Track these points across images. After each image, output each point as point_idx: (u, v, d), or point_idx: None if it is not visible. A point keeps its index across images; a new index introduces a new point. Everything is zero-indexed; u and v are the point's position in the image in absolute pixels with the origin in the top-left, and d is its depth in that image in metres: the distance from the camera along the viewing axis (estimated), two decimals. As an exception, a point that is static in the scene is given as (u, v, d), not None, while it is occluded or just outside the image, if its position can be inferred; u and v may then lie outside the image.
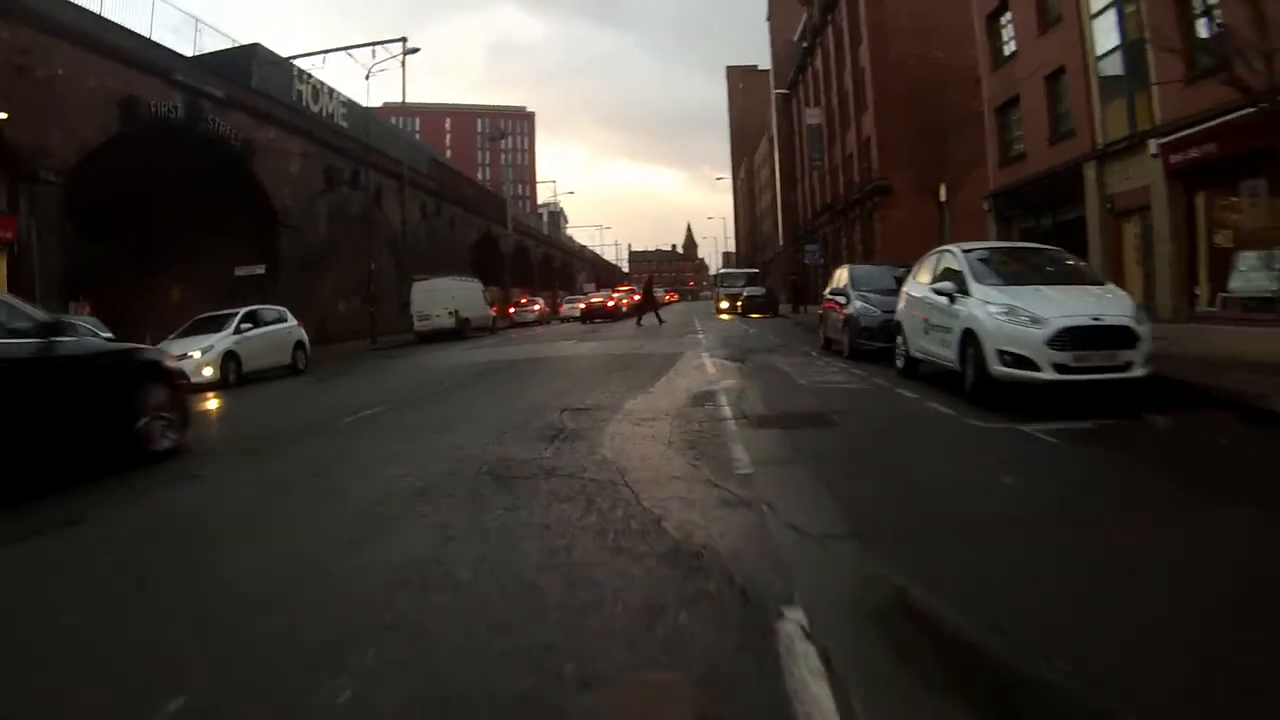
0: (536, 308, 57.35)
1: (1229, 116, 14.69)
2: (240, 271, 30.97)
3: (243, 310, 19.97)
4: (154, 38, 27.19)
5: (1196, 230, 18.24)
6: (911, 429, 8.98)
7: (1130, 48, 19.81)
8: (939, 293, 10.91)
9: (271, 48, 38.55)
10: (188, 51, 30.31)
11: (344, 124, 41.69)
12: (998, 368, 9.22)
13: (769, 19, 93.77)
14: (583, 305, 53.07)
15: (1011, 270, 10.87)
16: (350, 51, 39.22)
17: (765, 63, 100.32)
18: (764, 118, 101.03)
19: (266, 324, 20.28)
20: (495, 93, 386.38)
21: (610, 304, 51.74)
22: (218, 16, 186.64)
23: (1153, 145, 18.51)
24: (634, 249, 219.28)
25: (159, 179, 28.20)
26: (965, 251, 11.47)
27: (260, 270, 31.41)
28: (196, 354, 17.51)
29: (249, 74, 33.83)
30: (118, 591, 4.53)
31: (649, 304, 38.55)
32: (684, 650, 3.28)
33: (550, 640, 3.42)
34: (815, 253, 49.09)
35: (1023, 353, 8.98)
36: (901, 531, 4.90)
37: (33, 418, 7.34)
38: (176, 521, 6.33)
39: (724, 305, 48.96)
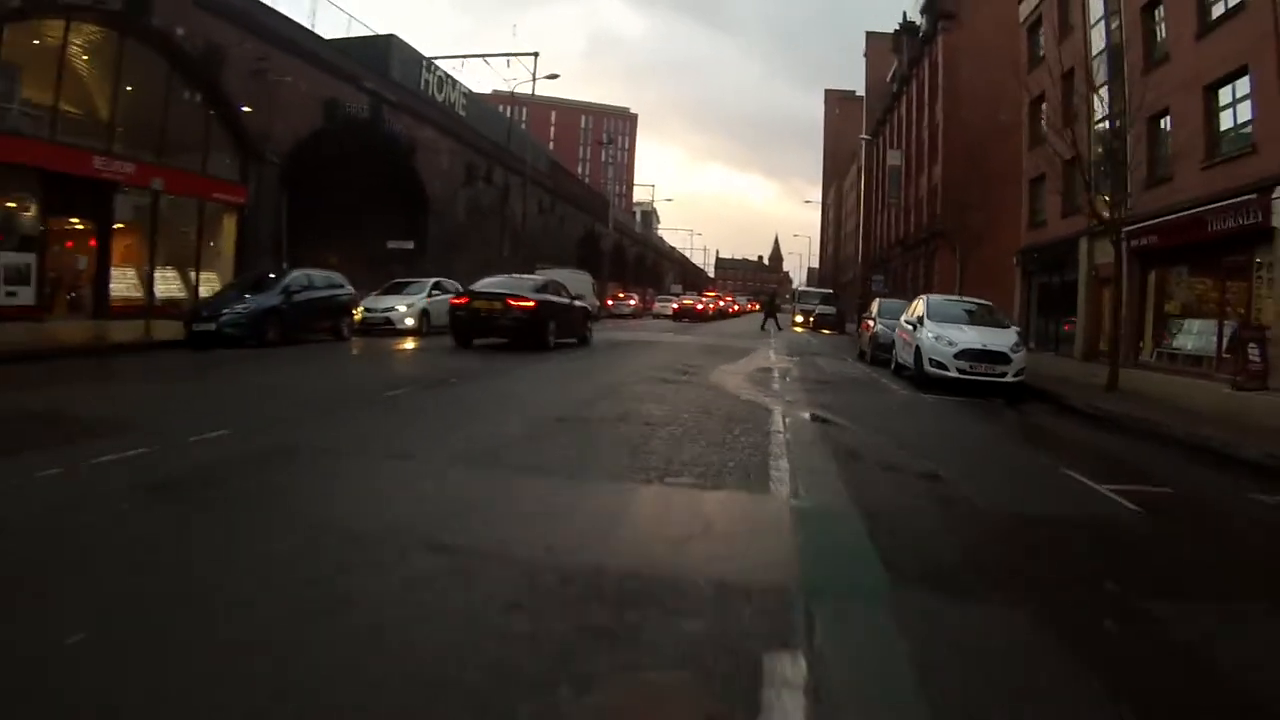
0: (632, 302, 63.11)
1: (1167, 218, 20.49)
2: (392, 245, 36.96)
3: (432, 280, 26.62)
4: (309, 26, 32.95)
5: (1148, 299, 23.86)
6: (878, 392, 15.58)
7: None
8: (910, 324, 17.38)
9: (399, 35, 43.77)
10: (331, 36, 34.82)
11: (463, 113, 46.39)
12: (929, 369, 15.60)
13: (865, 55, 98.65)
14: (675, 305, 58.41)
15: (951, 314, 17.45)
16: (487, 59, 45.38)
17: (861, 89, 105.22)
18: (856, 143, 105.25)
19: (447, 292, 26.42)
20: (592, 84, 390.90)
21: (700, 307, 57.96)
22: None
23: (1124, 233, 24.09)
24: (721, 255, 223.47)
25: (342, 164, 34.43)
26: (928, 300, 18.40)
27: (410, 245, 37.46)
28: (403, 308, 24.38)
29: (386, 62, 38.60)
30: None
31: (770, 312, 47.38)
32: (743, 421, 9.51)
33: (702, 409, 9.61)
34: (880, 282, 54.50)
35: (942, 361, 15.34)
36: (851, 415, 11.03)
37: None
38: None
39: (798, 319, 54.71)
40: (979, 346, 15.59)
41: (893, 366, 19.00)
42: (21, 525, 4.66)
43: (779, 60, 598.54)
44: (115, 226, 23.59)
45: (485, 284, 22.10)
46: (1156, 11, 24.36)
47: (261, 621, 3.45)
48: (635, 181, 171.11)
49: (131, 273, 24.56)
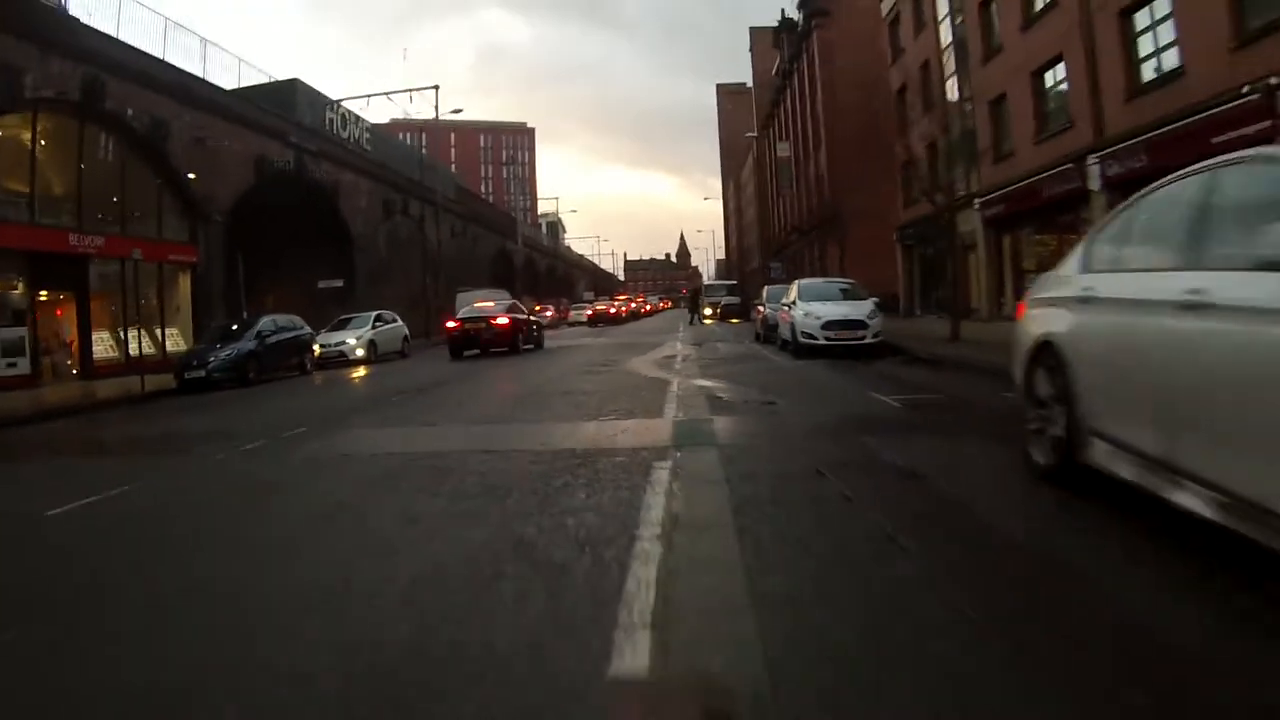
0: (549, 313, 66.25)
1: (1011, 187, 24.48)
2: (322, 284, 39.80)
3: (374, 313, 29.73)
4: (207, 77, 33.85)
5: (1004, 260, 27.79)
6: (759, 361, 19.50)
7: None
8: (786, 305, 21.50)
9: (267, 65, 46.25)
10: (231, 86, 35.08)
11: (369, 148, 48.70)
12: (801, 340, 19.59)
13: (750, 50, 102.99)
14: (589, 312, 62.32)
15: (819, 293, 21.48)
16: (390, 96, 48.00)
17: (750, 80, 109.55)
18: (750, 136, 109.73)
19: (388, 323, 29.98)
20: (485, 97, 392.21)
21: (613, 311, 61.60)
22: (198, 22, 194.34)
23: (976, 203, 28.02)
24: (629, 258, 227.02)
25: (274, 214, 37.06)
26: (799, 283, 22.90)
27: (339, 283, 40.33)
28: (353, 340, 27.42)
29: (292, 105, 40.88)
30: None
31: (695, 307, 54.96)
32: (648, 389, 13.29)
33: (619, 385, 13.09)
34: (779, 269, 58.63)
35: (811, 332, 19.28)
36: (729, 379, 14.83)
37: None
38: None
39: (707, 312, 58.30)
40: (840, 317, 19.40)
41: (779, 343, 22.73)
42: (256, 478, 8.39)
43: (669, 54, 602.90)
44: (89, 295, 26.30)
45: (466, 311, 28.84)
46: (992, 7, 28.18)
47: (411, 489, 7.15)
48: (539, 193, 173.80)
49: (107, 335, 27.39)
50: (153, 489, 7.87)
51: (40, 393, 21.26)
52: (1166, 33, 18.83)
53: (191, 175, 29.75)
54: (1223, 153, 4.60)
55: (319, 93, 45.46)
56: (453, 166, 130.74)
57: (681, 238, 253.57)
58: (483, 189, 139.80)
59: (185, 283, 30.81)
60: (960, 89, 30.98)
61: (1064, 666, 2.98)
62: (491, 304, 30.09)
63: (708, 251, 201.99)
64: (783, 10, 72.36)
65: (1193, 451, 4.12)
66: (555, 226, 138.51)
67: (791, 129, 67.74)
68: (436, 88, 50.17)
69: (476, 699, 2.93)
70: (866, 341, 19.08)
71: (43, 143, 25.13)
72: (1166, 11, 18.65)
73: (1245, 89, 14.83)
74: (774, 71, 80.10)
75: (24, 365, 23.45)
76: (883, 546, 4.57)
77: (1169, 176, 4.96)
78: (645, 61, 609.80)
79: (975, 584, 3.94)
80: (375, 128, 52.26)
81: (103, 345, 27.09)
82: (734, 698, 2.87)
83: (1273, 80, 14.14)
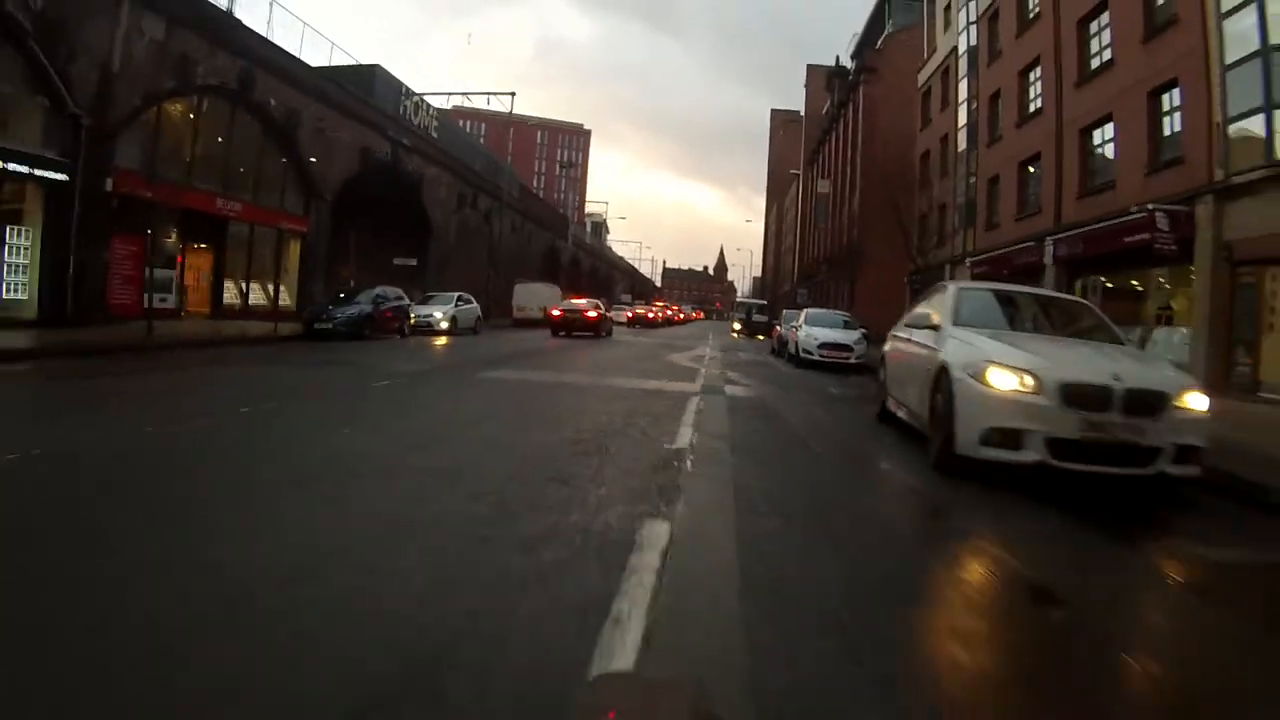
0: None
1: (994, 253, 30.00)
2: (398, 261, 45.19)
3: (458, 294, 35.26)
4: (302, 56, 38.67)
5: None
6: (767, 367, 24.91)
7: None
8: (793, 325, 26.31)
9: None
10: (319, 64, 38.98)
11: (436, 135, 52.46)
12: (802, 355, 25.06)
13: (805, 85, 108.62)
14: (629, 314, 66.92)
15: (823, 321, 26.91)
16: (468, 96, 53.50)
17: (803, 106, 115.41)
18: (798, 162, 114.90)
19: (466, 303, 35.68)
20: (540, 87, 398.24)
21: (651, 315, 67.38)
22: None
23: (967, 261, 33.50)
24: (668, 265, 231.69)
25: (369, 197, 42.60)
26: (808, 312, 28.08)
27: (413, 262, 45.74)
28: (439, 314, 33.16)
29: (371, 89, 44.59)
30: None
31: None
32: (685, 370, 18.55)
33: (665, 367, 18.52)
34: (805, 295, 63.91)
35: (810, 349, 24.81)
36: (741, 373, 20.14)
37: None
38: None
39: (736, 326, 64.05)
40: (833, 341, 24.94)
41: (786, 356, 28.36)
42: (447, 390, 13.84)
43: (726, 65, 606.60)
44: (225, 250, 32.03)
45: (567, 304, 39.26)
46: (999, 102, 33.59)
47: (564, 396, 12.90)
48: (587, 194, 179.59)
49: (232, 285, 32.91)
50: (399, 389, 13.41)
51: (203, 323, 27.02)
52: (1110, 151, 24.32)
53: (313, 159, 35.40)
54: (1131, 250, 12.86)
55: (397, 79, 49.24)
56: (509, 158, 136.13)
57: (721, 252, 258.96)
58: (535, 183, 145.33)
59: (296, 249, 36.43)
60: (969, 164, 36.48)
61: (854, 478, 8.68)
62: (584, 300, 40.18)
63: (744, 270, 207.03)
64: (837, 58, 77.98)
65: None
66: (599, 227, 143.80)
67: (833, 168, 73.29)
68: (513, 94, 55.88)
69: (618, 455, 8.57)
70: (850, 361, 24.43)
71: (205, 122, 30.80)
72: (1111, 136, 24.12)
73: (1133, 209, 20.29)
74: (824, 111, 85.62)
75: (172, 300, 29.10)
76: (788, 430, 10.52)
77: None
78: (700, 71, 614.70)
79: (829, 444, 9.88)
80: (445, 121, 57.38)
81: (230, 293, 32.76)
82: (726, 439, 8.56)
83: (1149, 206, 19.55)
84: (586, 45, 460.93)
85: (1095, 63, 25.60)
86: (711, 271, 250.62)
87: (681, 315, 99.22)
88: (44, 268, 23.22)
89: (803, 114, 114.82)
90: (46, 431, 7.94)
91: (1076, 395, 7.26)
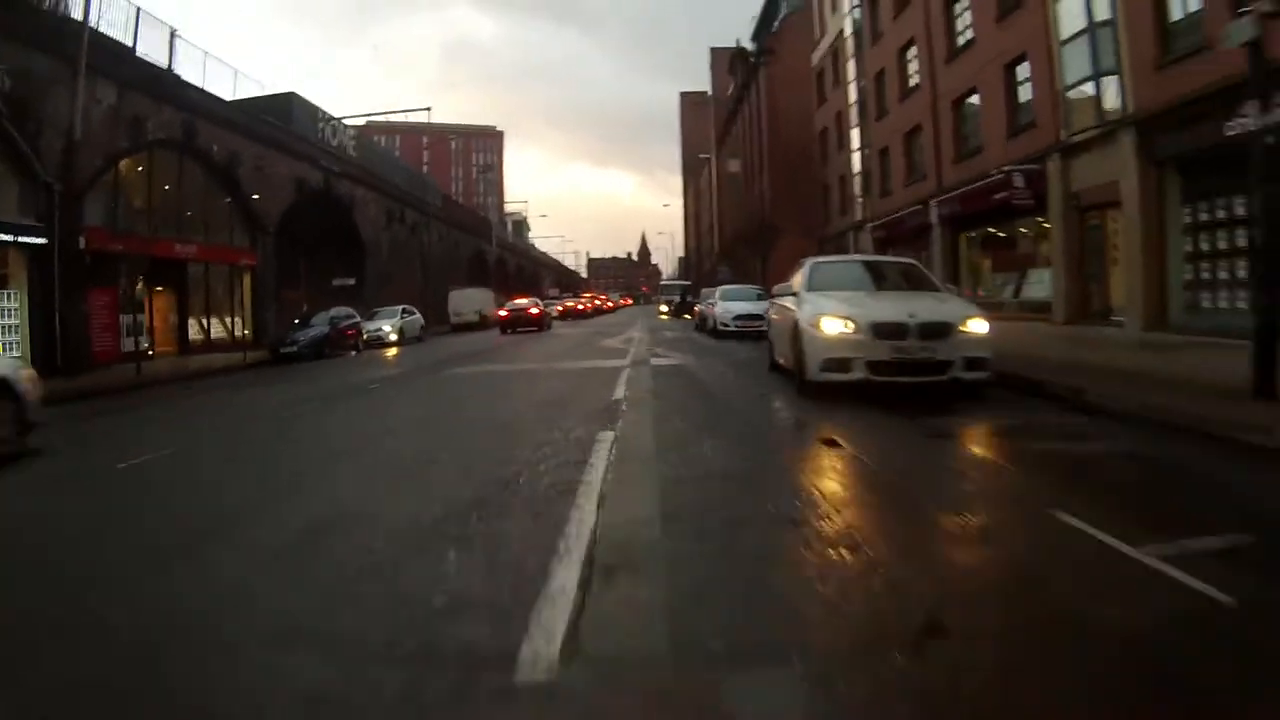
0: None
1: (888, 217, 33.42)
2: (337, 282, 47.76)
3: (402, 307, 37.99)
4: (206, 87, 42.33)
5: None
6: (690, 340, 28.16)
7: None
8: (712, 303, 29.63)
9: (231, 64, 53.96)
10: (228, 97, 39.12)
11: (353, 153, 53.59)
12: (719, 327, 28.52)
13: (711, 67, 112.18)
14: (560, 307, 69.58)
15: (736, 295, 30.41)
16: (387, 116, 55.98)
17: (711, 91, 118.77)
18: (709, 143, 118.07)
19: (410, 314, 38.65)
20: (449, 93, 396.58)
21: (581, 307, 70.80)
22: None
23: (868, 226, 36.91)
24: (592, 256, 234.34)
25: (306, 224, 45.07)
26: (722, 288, 32.04)
27: (351, 281, 48.38)
28: (388, 327, 36.11)
29: (289, 117, 45.63)
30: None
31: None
32: (616, 350, 21.78)
33: (598, 349, 21.64)
34: (725, 273, 66.97)
35: (726, 321, 28.35)
36: (666, 347, 23.41)
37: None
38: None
39: (663, 309, 67.53)
40: (747, 312, 27.87)
41: (707, 330, 31.61)
42: (426, 385, 16.92)
43: (634, 56, 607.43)
44: (186, 290, 34.53)
45: (511, 305, 44.20)
46: (883, 79, 36.96)
47: (523, 381, 16.04)
48: (505, 191, 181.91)
49: (194, 322, 35.43)
50: (390, 387, 16.34)
51: (176, 360, 29.56)
52: (977, 119, 27.74)
53: (255, 195, 37.90)
54: (998, 207, 20.00)
55: (312, 104, 50.48)
56: (425, 167, 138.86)
57: (643, 238, 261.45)
58: (454, 189, 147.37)
59: (247, 282, 39.05)
60: (862, 137, 39.86)
61: (741, 404, 12.47)
62: (526, 300, 46.16)
63: (667, 252, 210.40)
64: (738, 40, 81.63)
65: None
66: (521, 225, 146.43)
67: (742, 148, 76.89)
68: (429, 109, 58.74)
69: (575, 405, 12.09)
70: (763, 329, 27.26)
71: (154, 174, 33.18)
72: (978, 105, 27.52)
73: (994, 171, 23.74)
74: (729, 92, 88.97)
75: (144, 342, 31.54)
76: (697, 382, 14.19)
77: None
78: (610, 61, 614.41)
79: (728, 389, 13.54)
80: (362, 139, 58.73)
81: (194, 330, 35.33)
82: (650, 391, 11.77)
83: (1006, 168, 23.02)
84: (493, 46, 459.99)
85: (961, 40, 29.05)
86: (635, 257, 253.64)
87: (610, 304, 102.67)
88: (33, 324, 25.72)
89: (710, 95, 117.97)
90: (152, 438, 11.10)
91: (883, 330, 10.81)
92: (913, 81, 33.96)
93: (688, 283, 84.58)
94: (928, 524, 5.45)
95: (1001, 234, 27.46)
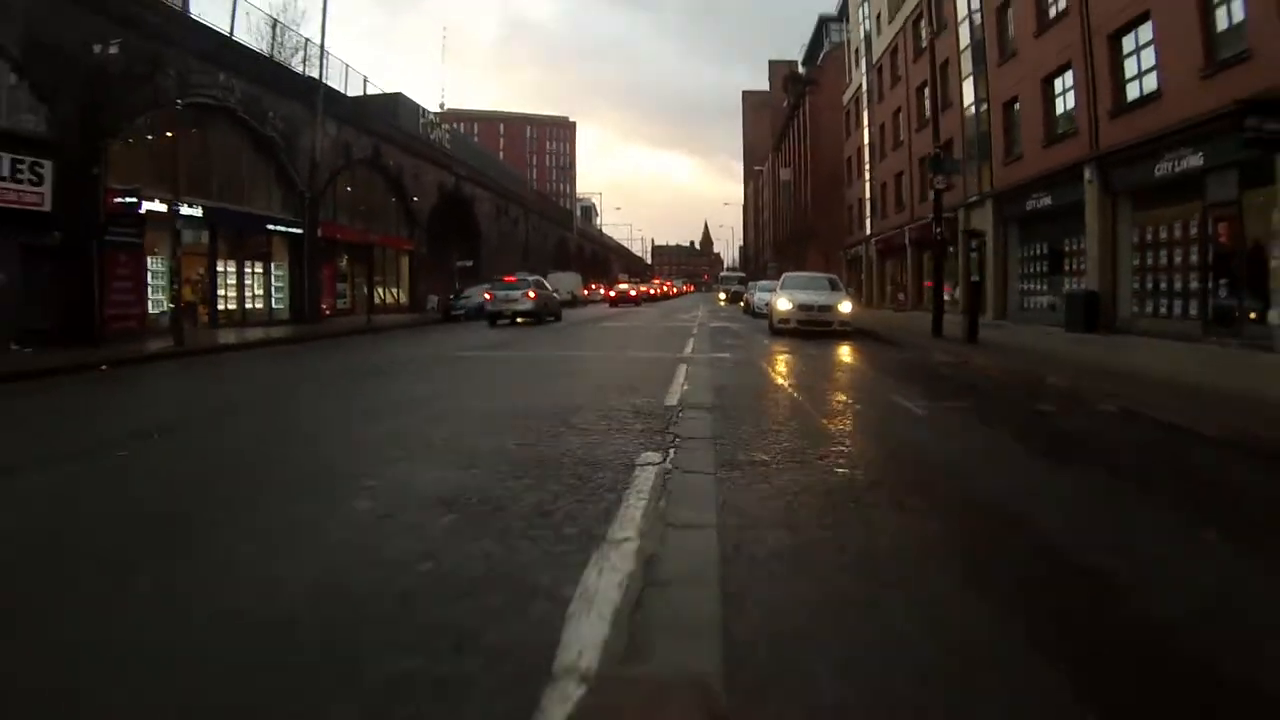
0: (603, 291, 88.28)
1: (885, 234, 46.69)
2: (459, 264, 61.15)
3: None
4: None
5: (885, 275, 49.86)
6: (739, 319, 41.13)
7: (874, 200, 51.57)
8: (767, 291, 42.55)
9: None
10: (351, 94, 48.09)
11: (448, 146, 64.65)
12: (756, 310, 40.90)
13: (769, 80, 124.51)
14: (634, 292, 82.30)
15: (767, 287, 42.41)
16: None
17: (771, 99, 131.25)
18: (768, 141, 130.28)
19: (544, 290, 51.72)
20: (509, 73, 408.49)
21: (653, 292, 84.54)
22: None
23: (873, 241, 50.10)
24: (656, 243, 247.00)
25: (442, 219, 58.61)
26: (758, 282, 45.69)
27: (470, 263, 61.74)
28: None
29: (396, 114, 56.16)
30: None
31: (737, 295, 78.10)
32: (685, 325, 34.95)
33: (667, 315, 35.12)
34: (775, 268, 79.86)
35: (760, 307, 40.33)
36: (721, 322, 36.34)
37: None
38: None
39: (722, 296, 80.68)
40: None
41: (752, 314, 44.00)
42: (571, 328, 30.43)
43: (692, 37, 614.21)
44: (354, 268, 48.45)
45: (618, 288, 66.40)
46: (884, 126, 49.91)
47: (628, 322, 29.22)
48: (577, 179, 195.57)
49: (379, 290, 49.23)
50: (526, 338, 29.55)
51: (374, 318, 43.44)
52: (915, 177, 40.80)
53: (415, 198, 51.60)
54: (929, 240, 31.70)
55: (414, 102, 61.92)
56: (500, 154, 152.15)
57: (705, 227, 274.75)
58: (529, 175, 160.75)
59: (405, 262, 52.87)
60: (871, 171, 52.95)
61: (744, 334, 25.45)
62: (628, 284, 63.71)
63: (728, 242, 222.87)
64: (796, 63, 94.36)
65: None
66: (589, 211, 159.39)
67: (792, 158, 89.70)
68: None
69: (676, 331, 25.08)
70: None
71: (358, 183, 46.89)
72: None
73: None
74: (784, 104, 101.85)
75: (345, 303, 45.33)
76: (731, 330, 27.15)
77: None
78: (668, 42, 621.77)
79: (741, 330, 26.62)
80: (457, 133, 73.32)
81: (377, 297, 49.04)
82: (707, 315, 25.19)
83: (930, 217, 35.98)
84: (552, 27, 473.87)
85: (928, 109, 41.88)
86: (698, 246, 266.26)
87: (675, 290, 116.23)
88: (292, 288, 39.46)
89: (768, 99, 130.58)
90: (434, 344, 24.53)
91: (803, 307, 25.12)
92: (901, 137, 46.77)
93: (743, 274, 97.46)
94: (812, 367, 18.38)
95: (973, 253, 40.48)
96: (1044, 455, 8.11)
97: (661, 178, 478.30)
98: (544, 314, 37.37)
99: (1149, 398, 10.85)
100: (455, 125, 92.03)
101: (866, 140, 54.55)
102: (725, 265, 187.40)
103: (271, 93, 36.17)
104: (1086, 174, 25.33)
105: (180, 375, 17.64)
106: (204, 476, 7.00)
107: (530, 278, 50.37)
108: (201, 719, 2.95)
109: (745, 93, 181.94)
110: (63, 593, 4.19)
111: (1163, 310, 22.80)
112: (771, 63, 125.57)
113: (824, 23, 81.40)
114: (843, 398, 12.91)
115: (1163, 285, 22.90)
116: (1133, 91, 23.56)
